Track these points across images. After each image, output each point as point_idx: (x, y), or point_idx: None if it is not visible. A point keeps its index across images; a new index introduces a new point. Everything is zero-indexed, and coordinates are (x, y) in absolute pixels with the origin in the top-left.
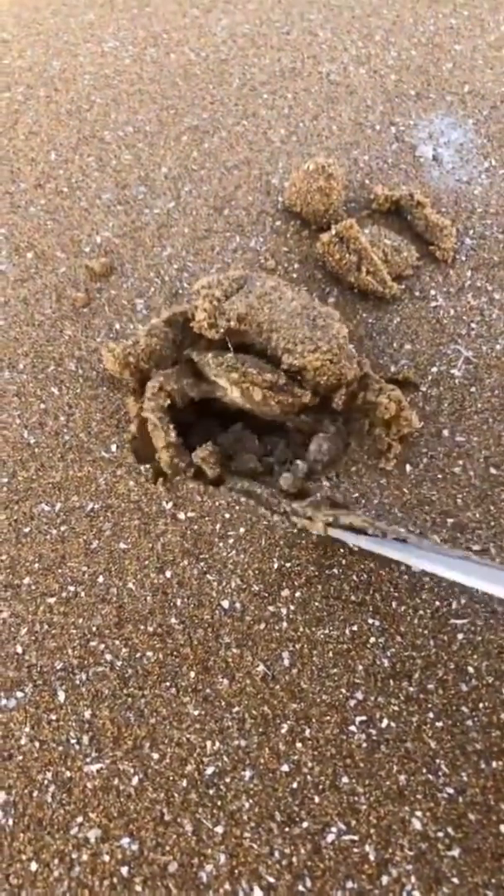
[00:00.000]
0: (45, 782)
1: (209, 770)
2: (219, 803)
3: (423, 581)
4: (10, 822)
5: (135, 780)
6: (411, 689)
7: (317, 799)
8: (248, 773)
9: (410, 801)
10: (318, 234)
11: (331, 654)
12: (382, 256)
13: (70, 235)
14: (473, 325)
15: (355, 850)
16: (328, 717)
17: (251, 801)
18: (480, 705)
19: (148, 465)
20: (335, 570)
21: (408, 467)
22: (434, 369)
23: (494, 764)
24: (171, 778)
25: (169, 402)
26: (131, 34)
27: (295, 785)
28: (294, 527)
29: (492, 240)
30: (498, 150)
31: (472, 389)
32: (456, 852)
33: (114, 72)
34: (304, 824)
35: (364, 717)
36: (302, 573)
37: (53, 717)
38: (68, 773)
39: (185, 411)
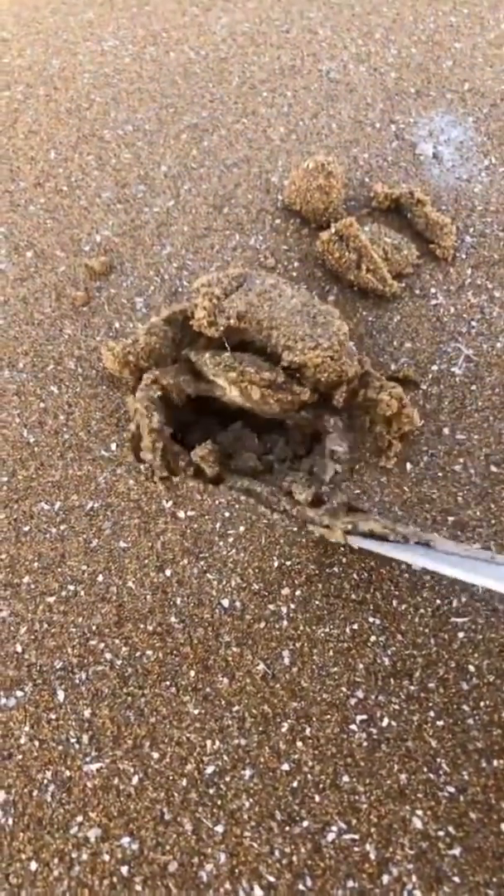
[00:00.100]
0: (45, 781)
1: (209, 769)
2: (219, 802)
3: (423, 579)
4: (10, 821)
5: (135, 780)
6: (412, 687)
7: (317, 798)
8: (248, 772)
9: (411, 799)
10: (318, 233)
11: (331, 653)
12: (382, 254)
13: (69, 234)
14: (474, 323)
15: (356, 849)
16: (329, 716)
17: (251, 800)
18: (481, 704)
19: (147, 464)
20: (335, 569)
21: (408, 465)
22: (434, 367)
23: (496, 762)
24: (171, 777)
25: (161, 393)
26: (131, 33)
27: (295, 784)
28: (301, 527)
29: (492, 238)
30: (498, 148)
31: (473, 387)
32: (457, 851)
33: (113, 70)
34: (305, 823)
35: (365, 716)
36: (302, 571)
37: (53, 716)
38: (68, 773)
39: (184, 410)
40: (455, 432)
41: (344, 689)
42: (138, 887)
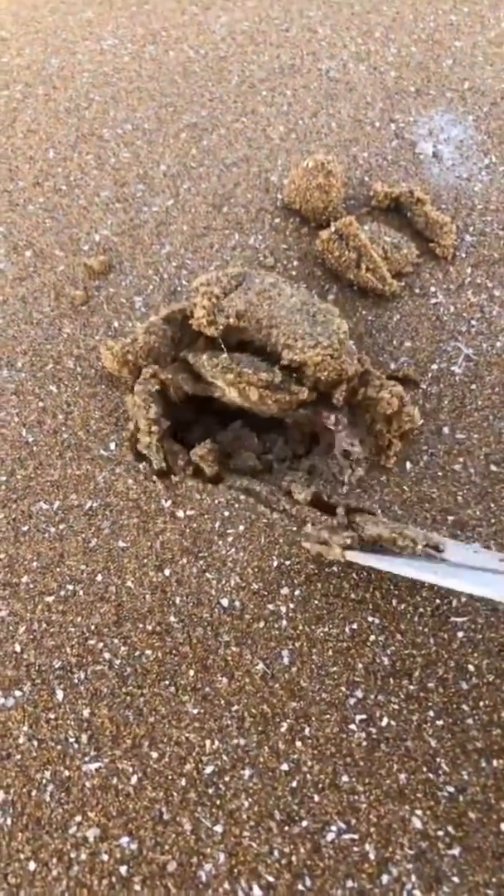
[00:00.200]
0: (44, 781)
1: (208, 769)
2: (218, 802)
3: None
4: (9, 821)
5: (134, 779)
6: (411, 687)
7: (316, 798)
8: (247, 772)
9: (411, 799)
10: (318, 232)
11: (330, 653)
12: (382, 253)
13: (68, 233)
14: (474, 322)
15: (355, 848)
16: (328, 716)
17: (250, 799)
18: (481, 703)
19: (146, 463)
20: (335, 568)
21: (408, 465)
22: (434, 366)
23: (495, 762)
24: (170, 777)
25: (159, 387)
26: (130, 32)
27: (294, 784)
28: (300, 527)
29: (492, 236)
30: (498, 147)
31: (473, 387)
32: (456, 851)
33: (112, 69)
34: (304, 823)
35: (364, 716)
36: (301, 571)
37: (52, 715)
38: (67, 773)
39: (183, 409)
40: (455, 431)
41: (343, 688)
42: (137, 887)
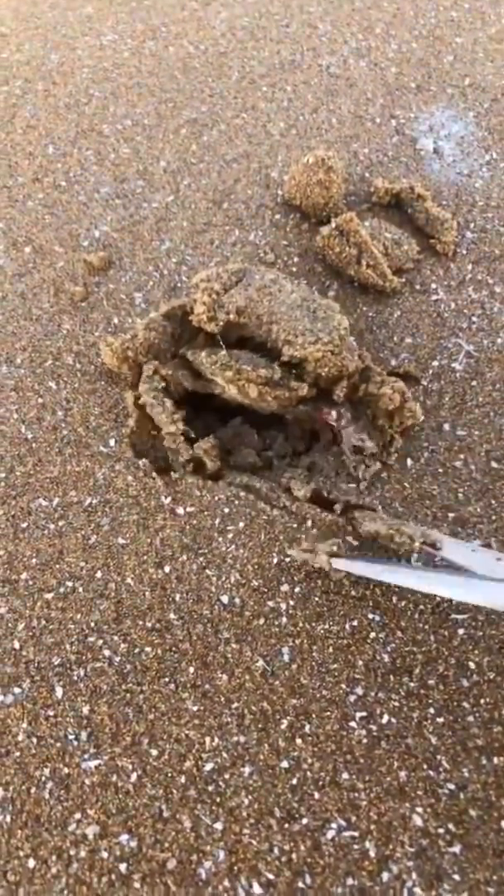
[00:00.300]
0: (43, 779)
1: (208, 766)
2: (218, 800)
3: None
4: (8, 818)
5: (133, 777)
6: (412, 684)
7: (317, 795)
8: (247, 770)
9: (411, 797)
10: (318, 228)
11: (331, 650)
12: (383, 250)
13: (68, 229)
14: (474, 319)
15: (355, 846)
16: (328, 713)
17: (250, 797)
18: (482, 701)
19: (146, 460)
20: None
21: (409, 461)
22: (435, 363)
23: (496, 760)
24: (169, 774)
25: (164, 384)
26: (130, 27)
27: (294, 781)
28: (300, 524)
29: (493, 233)
30: (499, 143)
31: (474, 383)
32: (457, 849)
33: (112, 65)
34: (304, 821)
35: (364, 713)
36: (301, 568)
37: (51, 713)
38: (66, 770)
39: (184, 406)
40: (456, 428)
41: (343, 685)
42: (137, 885)
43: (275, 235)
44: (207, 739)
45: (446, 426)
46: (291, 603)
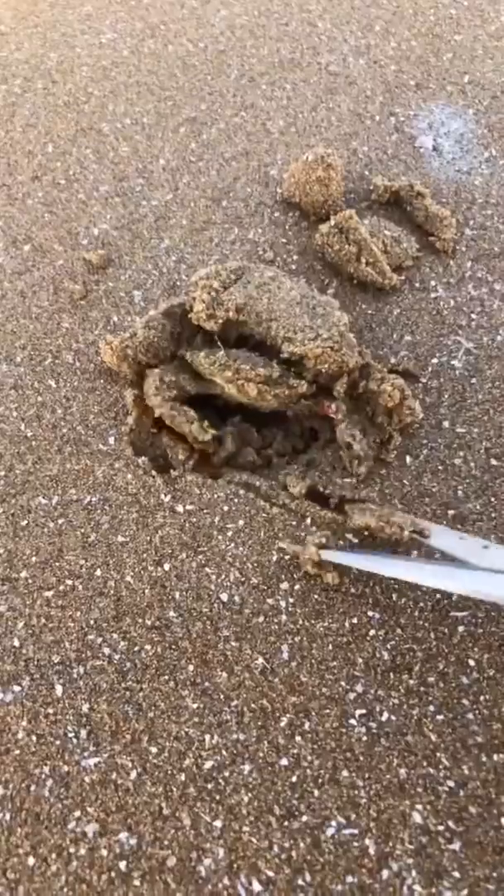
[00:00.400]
0: (43, 776)
1: (208, 764)
2: (217, 797)
3: None
4: (8, 816)
5: (133, 775)
6: (412, 681)
7: (316, 793)
8: (246, 767)
9: (411, 794)
10: (318, 226)
11: (330, 647)
12: (382, 247)
13: (67, 228)
14: (474, 316)
15: (355, 844)
16: (328, 711)
17: (250, 794)
18: (481, 698)
19: (145, 458)
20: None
21: (408, 458)
22: (434, 360)
23: (496, 757)
24: (169, 772)
25: (175, 392)
26: (129, 26)
27: (294, 779)
28: (300, 522)
29: (492, 230)
30: (498, 141)
31: (473, 380)
32: (457, 846)
33: (111, 63)
34: (304, 818)
35: (364, 711)
36: (300, 565)
37: (51, 710)
38: (66, 768)
39: (184, 405)
40: (455, 425)
41: (343, 683)
42: (136, 882)
43: (274, 233)
44: (207, 737)
45: (446, 423)
46: (291, 600)
